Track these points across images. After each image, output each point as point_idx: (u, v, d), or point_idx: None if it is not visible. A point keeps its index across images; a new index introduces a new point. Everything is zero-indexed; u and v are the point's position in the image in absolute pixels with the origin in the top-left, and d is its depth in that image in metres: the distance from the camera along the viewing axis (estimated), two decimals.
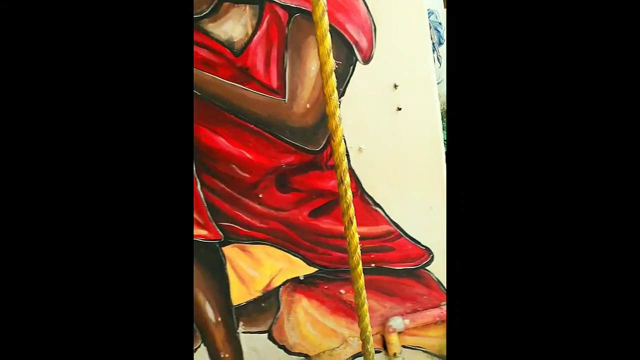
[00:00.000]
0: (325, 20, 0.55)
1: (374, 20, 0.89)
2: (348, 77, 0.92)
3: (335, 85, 0.63)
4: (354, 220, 0.67)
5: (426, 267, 1.09)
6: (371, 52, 0.91)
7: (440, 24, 5.35)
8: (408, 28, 0.90)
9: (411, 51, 0.92)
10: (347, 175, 0.66)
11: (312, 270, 1.03)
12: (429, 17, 5.56)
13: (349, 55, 0.91)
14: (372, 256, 1.05)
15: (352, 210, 0.66)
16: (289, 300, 1.03)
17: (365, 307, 0.72)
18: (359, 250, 0.67)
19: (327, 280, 1.05)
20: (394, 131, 0.97)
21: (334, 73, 0.63)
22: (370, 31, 0.90)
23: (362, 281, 0.73)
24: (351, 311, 1.09)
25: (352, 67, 0.92)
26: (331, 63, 0.62)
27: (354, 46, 0.90)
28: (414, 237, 1.05)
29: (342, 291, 1.07)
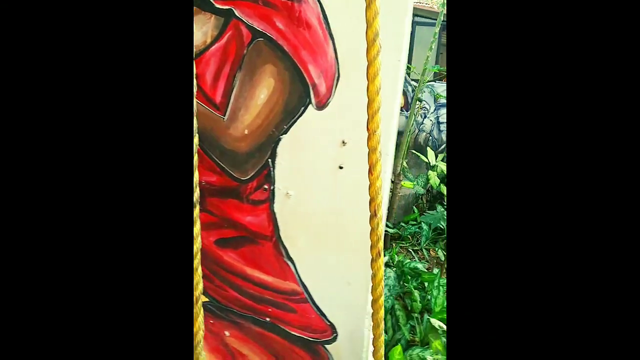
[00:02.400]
0: (379, 61, 0.57)
1: (340, 69, 0.82)
2: (297, 116, 0.85)
3: (380, 122, 0.66)
4: (382, 254, 0.69)
5: (325, 345, 0.97)
6: (328, 99, 0.84)
7: None
8: None
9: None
10: (381, 209, 0.69)
11: (202, 299, 0.95)
12: None
13: (303, 95, 0.84)
14: (269, 310, 0.95)
15: (381, 244, 0.71)
16: None
17: (382, 338, 0.71)
18: (382, 284, 0.68)
19: (215, 315, 0.97)
20: (330, 189, 0.88)
21: (379, 111, 0.66)
22: (333, 79, 0.83)
23: (382, 313, 0.74)
24: (230, 357, 0.99)
25: (303, 109, 0.85)
26: (379, 101, 0.64)
27: (310, 88, 0.83)
28: (321, 307, 0.94)
29: (227, 333, 0.98)
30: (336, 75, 0.83)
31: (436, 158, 3.70)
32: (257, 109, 0.85)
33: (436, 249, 3.35)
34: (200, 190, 0.90)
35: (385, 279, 2.38)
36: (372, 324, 0.98)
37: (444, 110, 5.02)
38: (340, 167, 0.86)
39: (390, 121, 0.83)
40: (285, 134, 0.86)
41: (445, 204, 2.72)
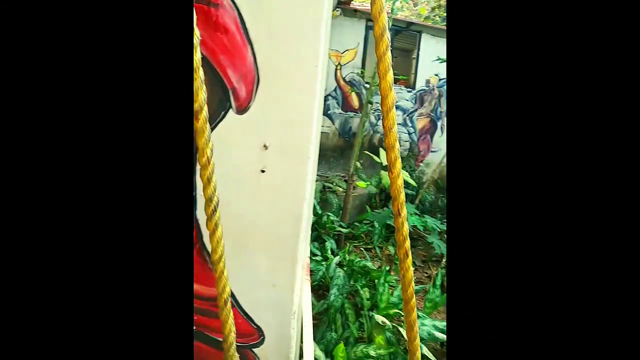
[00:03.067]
0: (388, 56, 0.54)
1: (259, 73, 0.83)
2: (217, 121, 0.85)
3: (395, 119, 0.62)
4: (410, 254, 0.64)
5: (253, 349, 0.97)
6: (248, 103, 0.84)
7: None
8: (294, 92, 0.83)
9: (292, 116, 0.84)
10: (404, 208, 0.64)
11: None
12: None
13: (223, 99, 0.84)
14: (195, 318, 0.94)
15: (407, 244, 0.64)
16: None
17: (417, 341, 0.67)
18: (413, 284, 0.63)
19: None
20: (253, 192, 0.88)
21: (394, 107, 0.61)
22: (253, 83, 0.83)
23: (414, 315, 0.69)
24: None
25: (223, 113, 0.84)
26: (393, 96, 0.60)
27: (230, 92, 0.83)
28: (247, 312, 0.94)
29: None
30: (256, 79, 0.83)
31: None
32: None
33: (388, 246, 3.45)
34: None
35: (335, 278, 2.41)
36: (298, 324, 1.00)
37: (396, 112, 5.20)
38: (263, 171, 0.87)
39: (310, 126, 0.85)
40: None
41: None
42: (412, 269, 0.65)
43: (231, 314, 0.64)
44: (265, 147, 0.86)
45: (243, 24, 0.80)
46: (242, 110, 0.84)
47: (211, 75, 0.82)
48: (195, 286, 0.92)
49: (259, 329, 0.95)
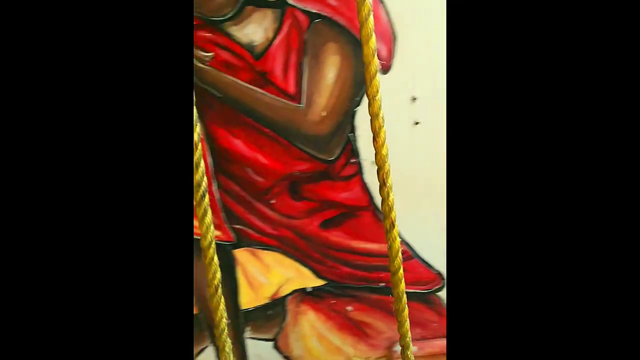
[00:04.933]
0: (371, 21, 0.55)
1: (395, 31, 0.87)
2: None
3: (379, 86, 0.63)
4: (396, 224, 0.66)
5: (437, 293, 1.02)
6: (390, 61, 0.89)
7: None
8: (429, 40, 0.87)
9: (431, 64, 0.88)
10: (390, 177, 0.65)
11: (320, 282, 1.00)
12: None
13: None
14: (382, 275, 1.00)
15: (394, 214, 0.66)
16: (295, 311, 1.00)
17: (406, 312, 0.70)
18: (400, 255, 0.66)
19: (334, 295, 1.01)
20: (411, 146, 0.93)
21: (378, 74, 0.63)
22: (391, 41, 0.88)
23: (402, 286, 0.72)
24: (357, 330, 1.04)
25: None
26: (375, 64, 0.61)
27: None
28: (426, 259, 1.00)
29: (350, 308, 1.02)
30: (393, 36, 0.87)
31: None
32: (329, 89, 0.90)
33: None
34: (295, 180, 0.94)
35: None
36: None
37: None
38: (416, 123, 0.92)
39: (443, 73, 0.89)
40: (359, 105, 0.91)
41: None
42: (398, 239, 0.64)
43: (222, 300, 0.59)
44: (414, 99, 0.90)
45: None
46: (386, 69, 0.89)
47: (353, 43, 0.87)
48: (376, 246, 0.98)
49: (439, 273, 1.00)
